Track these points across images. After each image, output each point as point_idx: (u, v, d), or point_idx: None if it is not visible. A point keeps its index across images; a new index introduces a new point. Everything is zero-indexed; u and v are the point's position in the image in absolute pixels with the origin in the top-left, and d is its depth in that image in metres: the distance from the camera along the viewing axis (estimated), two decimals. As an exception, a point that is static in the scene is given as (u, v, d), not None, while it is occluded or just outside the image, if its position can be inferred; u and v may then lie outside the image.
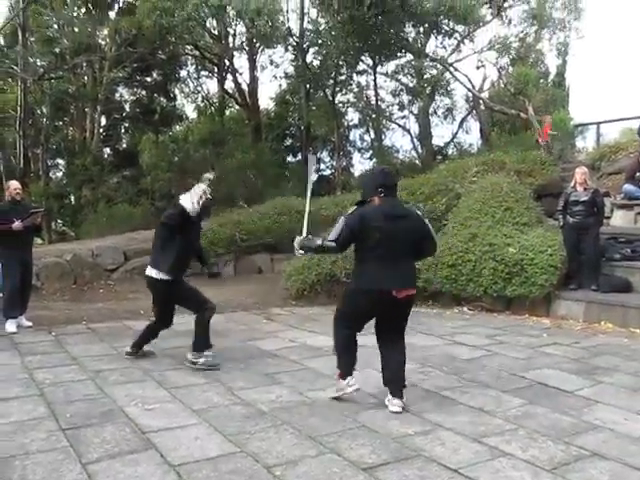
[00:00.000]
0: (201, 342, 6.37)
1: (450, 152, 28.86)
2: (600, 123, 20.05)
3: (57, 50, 22.75)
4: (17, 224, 7.89)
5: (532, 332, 8.17)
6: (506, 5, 23.99)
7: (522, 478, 3.82)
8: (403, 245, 4.90)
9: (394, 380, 5.08)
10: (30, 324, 8.31)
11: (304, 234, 5.36)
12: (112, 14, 24.14)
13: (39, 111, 24.88)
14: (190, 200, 6.11)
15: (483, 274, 9.56)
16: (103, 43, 24.04)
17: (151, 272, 6.31)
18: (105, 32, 23.54)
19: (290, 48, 23.29)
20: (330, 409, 5.05)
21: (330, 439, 4.40)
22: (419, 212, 5.22)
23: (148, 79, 27.68)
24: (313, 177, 5.94)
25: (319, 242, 5.12)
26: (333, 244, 4.96)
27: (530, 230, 10.14)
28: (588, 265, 9.45)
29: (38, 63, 22.67)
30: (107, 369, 6.21)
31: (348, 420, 4.80)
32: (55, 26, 23.27)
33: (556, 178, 13.61)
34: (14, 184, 8.55)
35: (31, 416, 4.79)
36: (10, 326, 8.01)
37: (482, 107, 26.61)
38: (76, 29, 22.42)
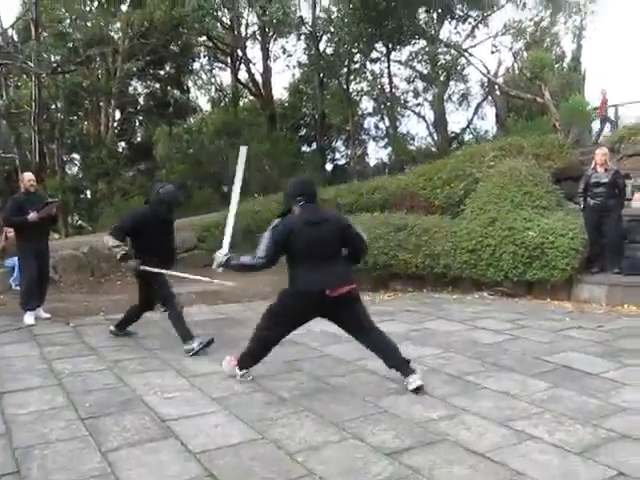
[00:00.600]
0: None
1: (466, 139, 28.63)
2: (618, 106, 19.81)
3: (70, 45, 22.75)
4: (32, 215, 7.85)
5: (554, 316, 8.05)
6: (521, -12, 23.73)
7: (550, 461, 3.73)
8: (329, 247, 5.06)
9: (395, 361, 5.18)
10: (48, 316, 8.29)
11: (225, 249, 5.38)
12: (124, 7, 24.07)
13: (54, 106, 24.94)
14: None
15: (503, 258, 9.44)
16: (116, 37, 24.01)
17: None
18: (117, 25, 23.48)
19: (303, 37, 23.18)
20: (351, 395, 4.98)
21: (352, 425, 4.32)
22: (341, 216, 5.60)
23: (161, 72, 27.68)
24: (240, 174, 5.99)
25: (246, 260, 5.20)
26: (263, 261, 5.02)
27: (550, 213, 9.98)
28: (610, 248, 9.29)
29: (52, 58, 22.69)
30: (126, 359, 6.17)
31: (370, 406, 4.72)
32: (67, 21, 23.28)
33: (575, 161, 13.42)
34: (28, 175, 8.52)
35: (50, 406, 4.75)
36: (28, 318, 7.99)
37: (497, 92, 26.39)
38: (89, 23, 22.40)
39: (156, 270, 6.51)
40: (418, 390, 4.95)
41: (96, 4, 23.18)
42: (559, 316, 8.04)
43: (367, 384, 5.25)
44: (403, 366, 5.12)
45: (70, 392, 5.11)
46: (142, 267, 6.50)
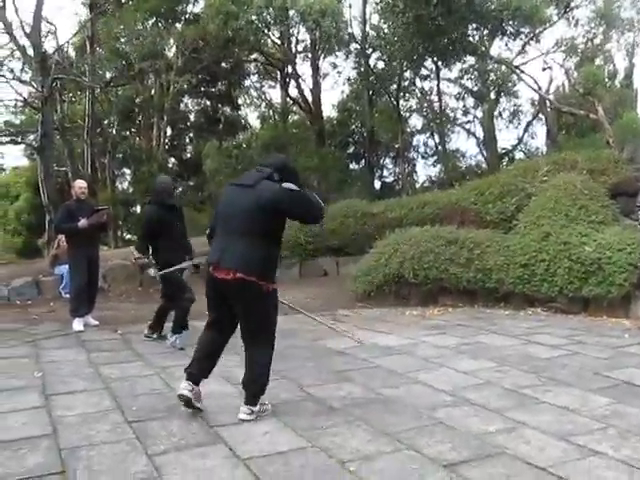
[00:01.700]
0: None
1: (517, 156, 28.26)
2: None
3: (124, 61, 23.13)
4: (83, 222, 7.92)
5: (612, 333, 7.75)
6: (573, 5, 23.31)
7: (617, 478, 3.52)
8: (241, 219, 4.33)
9: (244, 384, 4.55)
10: (97, 323, 8.32)
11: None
12: (179, 25, 24.40)
13: (106, 121, 25.33)
14: None
15: (558, 274, 9.18)
16: (169, 54, 24.34)
17: None
18: (171, 42, 23.81)
19: (352, 53, 23.17)
20: (404, 406, 4.82)
21: (406, 435, 4.16)
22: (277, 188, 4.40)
23: (213, 89, 27.93)
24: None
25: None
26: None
27: (606, 228, 9.69)
28: (671, 263, 8.96)
29: (106, 74, 23.08)
30: (173, 365, 6.11)
31: (424, 417, 4.56)
32: (123, 39, 23.68)
33: (630, 177, 13.03)
34: (79, 182, 8.62)
35: (97, 409, 4.70)
36: (77, 324, 8.03)
37: (549, 109, 25.99)
38: (144, 40, 22.75)
39: (172, 269, 6.66)
40: (242, 420, 4.42)
41: (152, 21, 23.51)
42: (617, 333, 7.74)
43: (421, 396, 5.07)
44: (246, 392, 4.52)
45: (117, 396, 5.06)
46: (160, 273, 6.90)
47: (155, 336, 7.52)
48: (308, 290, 11.49)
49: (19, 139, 23.11)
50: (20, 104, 22.06)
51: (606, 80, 26.41)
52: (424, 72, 24.01)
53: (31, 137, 20.66)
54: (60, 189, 22.09)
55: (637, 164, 15.14)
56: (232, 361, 6.25)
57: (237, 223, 4.32)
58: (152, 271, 7.18)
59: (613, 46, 28.20)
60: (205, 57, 22.66)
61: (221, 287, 4.35)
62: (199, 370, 4.56)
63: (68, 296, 9.00)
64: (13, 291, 10.97)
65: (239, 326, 4.51)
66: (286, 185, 4.36)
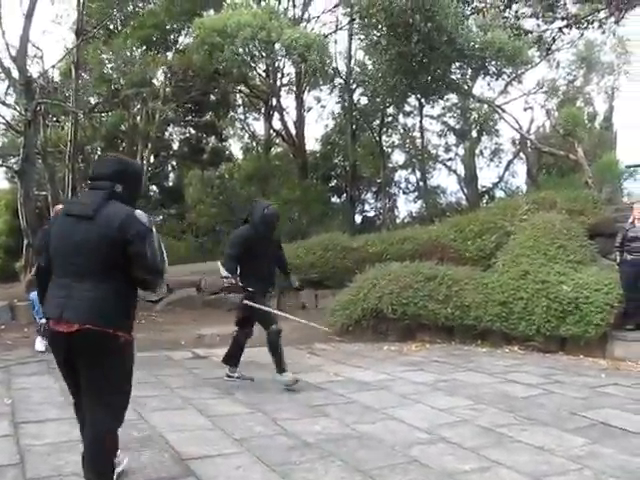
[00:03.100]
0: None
1: (497, 194, 28.47)
2: (653, 165, 19.62)
3: (112, 87, 23.16)
4: None
5: (589, 372, 7.76)
6: (554, 47, 23.74)
7: (592, 521, 3.50)
8: (84, 257, 3.40)
9: (85, 463, 3.53)
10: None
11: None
12: (169, 54, 24.51)
13: (89, 147, 25.25)
14: None
15: (535, 312, 9.19)
16: (157, 83, 24.41)
17: None
18: (160, 71, 23.89)
19: (337, 88, 23.36)
20: (379, 442, 4.77)
21: (380, 472, 4.13)
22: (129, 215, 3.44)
23: (200, 119, 27.99)
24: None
25: None
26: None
27: (584, 268, 9.76)
28: (648, 304, 9.02)
29: (91, 100, 23.07)
30: (146, 395, 6.01)
31: (399, 454, 4.52)
32: (111, 64, 23.73)
33: (608, 217, 13.18)
34: (60, 208, 8.56)
35: (67, 438, 4.60)
36: (39, 344, 8.05)
37: (529, 149, 26.32)
38: (132, 68, 22.82)
39: (257, 306, 6.51)
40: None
41: (143, 49, 23.59)
42: (594, 372, 7.76)
43: (396, 432, 5.04)
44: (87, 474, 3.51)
45: (89, 426, 4.97)
46: (245, 302, 6.51)
47: (237, 375, 6.89)
48: (285, 323, 11.39)
49: (0, 162, 22.96)
50: (3, 127, 21.96)
51: (586, 122, 26.81)
52: (407, 108, 24.23)
53: (12, 160, 20.54)
54: (39, 213, 21.90)
55: (615, 205, 15.33)
56: (207, 393, 6.21)
57: (80, 262, 3.39)
58: (235, 297, 6.57)
59: (593, 89, 28.78)
60: (192, 87, 22.74)
61: (66, 345, 3.41)
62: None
63: (43, 321, 8.90)
64: (-14, 315, 10.82)
65: (85, 390, 3.52)
66: (143, 216, 3.44)
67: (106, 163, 3.71)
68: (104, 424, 3.52)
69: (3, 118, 19.73)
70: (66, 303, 3.37)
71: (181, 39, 23.77)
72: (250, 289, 6.51)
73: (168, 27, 22.41)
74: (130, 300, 3.56)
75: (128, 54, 22.44)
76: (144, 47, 22.75)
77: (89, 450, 3.49)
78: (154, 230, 3.45)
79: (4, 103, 18.12)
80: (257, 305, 6.49)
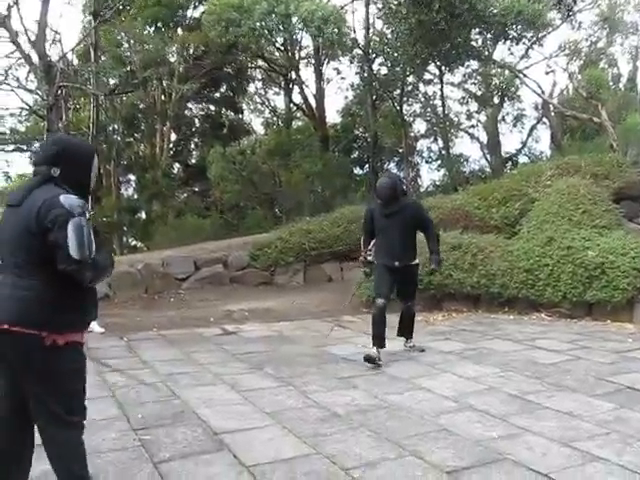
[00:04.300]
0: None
1: (521, 160, 28.25)
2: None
3: (128, 68, 23.24)
4: None
5: (616, 337, 7.76)
6: (576, 9, 23.36)
7: (620, 484, 3.55)
8: (8, 249, 3.04)
9: None
10: (103, 330, 8.34)
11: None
12: (180, 31, 24.50)
13: (111, 128, 25.41)
14: None
15: (561, 278, 9.18)
16: (172, 59, 24.43)
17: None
18: (174, 48, 23.89)
19: (356, 59, 23.21)
20: (408, 412, 4.84)
21: (410, 442, 4.19)
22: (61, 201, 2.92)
23: (217, 94, 28.00)
24: None
25: None
26: None
27: (610, 233, 9.72)
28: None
29: (110, 81, 23.17)
30: (178, 372, 6.14)
31: (428, 423, 4.58)
32: (126, 45, 23.78)
33: (634, 180, 13.06)
34: None
35: (102, 416, 4.72)
36: None
37: (552, 113, 26.02)
38: (146, 47, 22.85)
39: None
40: None
41: (153, 28, 23.59)
42: (621, 337, 7.75)
43: (424, 402, 5.10)
44: None
45: (123, 403, 5.10)
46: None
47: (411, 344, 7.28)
48: (312, 296, 11.51)
49: (24, 147, 23.19)
50: (25, 112, 22.13)
51: (610, 84, 26.43)
52: (427, 77, 24.01)
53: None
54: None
55: (640, 168, 15.15)
56: (237, 368, 6.31)
57: (8, 256, 3.02)
58: (365, 270, 7.09)
59: (617, 50, 28.33)
60: (207, 63, 22.75)
61: None
62: None
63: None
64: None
65: (34, 410, 3.05)
66: (68, 199, 2.92)
67: (43, 145, 3.39)
68: (60, 450, 3.13)
69: (25, 103, 19.92)
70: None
71: (190, 13, 23.76)
72: None
73: (176, 3, 22.38)
74: (62, 293, 2.95)
75: (140, 33, 22.48)
76: (155, 25, 22.78)
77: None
78: (85, 216, 2.91)
79: (25, 88, 18.26)
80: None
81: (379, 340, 6.49)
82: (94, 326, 8.31)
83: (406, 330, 7.23)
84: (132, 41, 23.14)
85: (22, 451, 3.13)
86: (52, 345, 2.91)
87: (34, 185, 3.03)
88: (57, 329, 2.93)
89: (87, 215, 2.93)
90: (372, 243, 6.80)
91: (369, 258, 6.84)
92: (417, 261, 7.01)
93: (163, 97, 25.19)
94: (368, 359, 6.29)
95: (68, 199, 2.91)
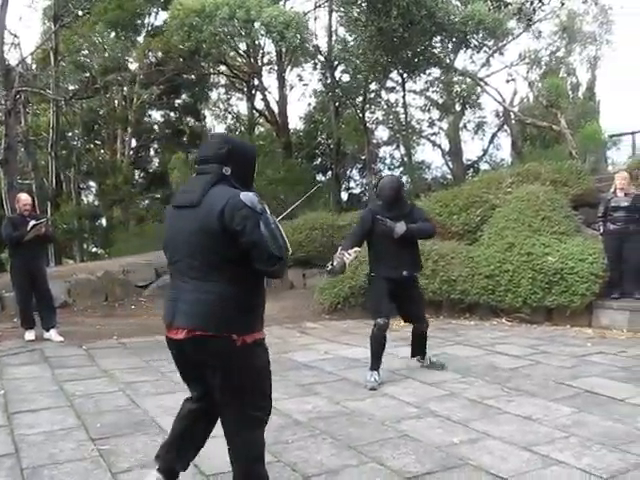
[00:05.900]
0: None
1: (482, 167, 28.59)
2: (635, 133, 19.76)
3: (88, 73, 23.03)
4: (15, 235, 7.96)
5: (575, 342, 7.87)
6: (536, 19, 23.71)
7: (578, 487, 3.58)
8: (189, 253, 3.04)
9: None
10: (62, 339, 8.23)
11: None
12: (140, 38, 24.32)
13: (71, 133, 25.13)
14: None
15: (522, 284, 9.28)
16: (132, 66, 24.26)
17: None
18: (135, 54, 23.73)
19: (318, 66, 23.27)
20: (370, 419, 4.84)
21: (371, 448, 4.19)
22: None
23: (178, 101, 27.86)
24: None
25: None
26: None
27: (569, 239, 9.84)
28: (632, 272, 9.11)
29: (70, 87, 22.92)
30: (138, 381, 6.07)
31: (389, 430, 4.59)
32: (86, 50, 23.55)
33: (592, 188, 13.25)
34: (23, 197, 8.57)
35: (61, 426, 4.65)
36: (28, 335, 8.22)
37: (513, 121, 26.39)
38: (106, 53, 22.67)
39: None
40: None
41: (114, 34, 23.39)
42: (580, 342, 7.86)
43: (386, 408, 5.11)
44: None
45: (81, 413, 5.01)
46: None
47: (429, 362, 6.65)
48: (274, 302, 11.45)
49: (-18, 152, 22.80)
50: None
51: (569, 92, 26.90)
52: (390, 84, 24.16)
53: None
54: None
55: (599, 175, 15.42)
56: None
57: (185, 259, 3.05)
58: (333, 267, 5.80)
59: (575, 59, 28.84)
60: (169, 69, 22.62)
61: (180, 350, 3.17)
62: (164, 459, 3.45)
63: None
64: (-26, 307, 10.80)
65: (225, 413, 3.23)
66: (248, 197, 2.93)
67: (211, 144, 3.25)
68: (240, 450, 3.29)
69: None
70: (175, 307, 3.07)
71: (151, 20, 23.63)
72: None
73: (136, 9, 22.20)
74: (243, 294, 3.02)
75: (100, 39, 22.27)
76: (115, 31, 22.57)
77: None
78: (267, 211, 2.95)
79: (-17, 92, 17.94)
80: None
81: (378, 362, 6.00)
82: (52, 334, 8.21)
83: (419, 349, 6.63)
84: (92, 47, 22.95)
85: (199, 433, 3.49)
86: (243, 345, 2.99)
87: (208, 184, 3.03)
88: (244, 330, 3.01)
89: (268, 210, 2.96)
90: (354, 250, 5.93)
91: (350, 258, 5.82)
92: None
93: (124, 103, 25.00)
94: (372, 389, 5.76)
95: (248, 197, 2.93)
